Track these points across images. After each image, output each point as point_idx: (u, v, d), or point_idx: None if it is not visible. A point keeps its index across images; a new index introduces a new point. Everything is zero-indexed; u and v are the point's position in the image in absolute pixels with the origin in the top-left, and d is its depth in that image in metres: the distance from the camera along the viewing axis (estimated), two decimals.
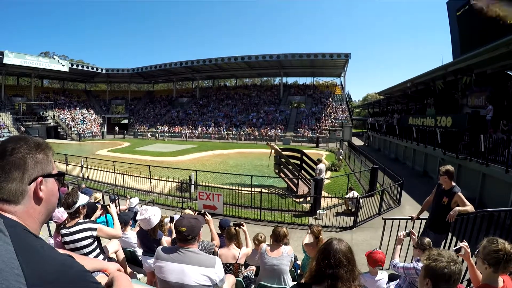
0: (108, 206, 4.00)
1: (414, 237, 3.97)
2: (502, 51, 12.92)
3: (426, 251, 2.38)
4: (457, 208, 4.28)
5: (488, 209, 4.50)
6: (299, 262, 5.15)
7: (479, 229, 4.29)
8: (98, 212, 4.58)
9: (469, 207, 4.28)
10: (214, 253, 3.86)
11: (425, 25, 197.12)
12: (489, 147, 10.90)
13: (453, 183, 4.58)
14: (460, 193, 4.43)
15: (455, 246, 3.05)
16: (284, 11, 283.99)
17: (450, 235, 4.75)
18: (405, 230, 4.30)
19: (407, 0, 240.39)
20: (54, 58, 43.27)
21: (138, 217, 3.75)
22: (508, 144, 9.98)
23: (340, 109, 41.24)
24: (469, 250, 2.82)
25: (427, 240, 3.63)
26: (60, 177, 1.06)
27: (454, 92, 18.97)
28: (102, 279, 1.65)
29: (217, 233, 4.54)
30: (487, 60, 14.59)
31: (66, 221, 3.34)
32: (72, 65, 44.80)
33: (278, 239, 3.91)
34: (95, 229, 3.33)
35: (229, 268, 3.84)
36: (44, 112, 41.02)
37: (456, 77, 17.86)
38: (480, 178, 11.17)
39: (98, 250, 3.38)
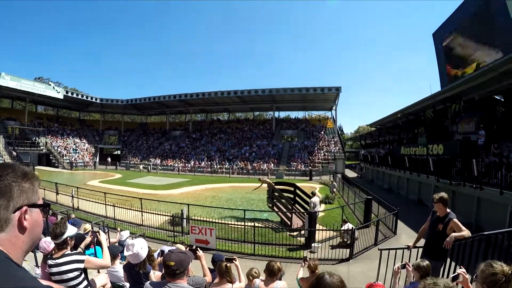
0: (98, 234, 3.90)
1: (410, 268, 3.90)
2: (488, 77, 13.49)
3: (423, 280, 2.33)
4: (453, 234, 4.28)
5: (485, 233, 4.50)
6: None
7: (477, 253, 4.26)
8: (88, 239, 4.45)
9: (465, 232, 4.27)
10: None
11: (413, 56, 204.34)
12: (482, 171, 11.11)
13: (448, 210, 4.59)
14: (455, 219, 4.43)
15: (454, 272, 2.99)
16: (276, 46, 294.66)
17: (448, 260, 4.70)
18: (401, 261, 4.23)
19: (394, 33, 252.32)
20: (50, 84, 43.63)
21: (125, 253, 3.64)
22: (500, 167, 10.16)
23: (333, 142, 41.72)
24: (467, 276, 2.78)
25: (426, 263, 3.57)
26: (45, 208, 1.06)
27: (444, 120, 19.48)
28: None
29: (210, 268, 4.41)
30: (474, 86, 15.19)
31: (53, 252, 3.23)
32: (67, 92, 45.12)
33: (272, 274, 3.85)
34: (82, 261, 3.22)
35: None
36: (37, 138, 40.76)
37: (445, 105, 18.41)
38: (475, 203, 11.26)
39: (85, 283, 3.25)
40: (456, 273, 2.87)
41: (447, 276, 4.40)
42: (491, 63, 13.68)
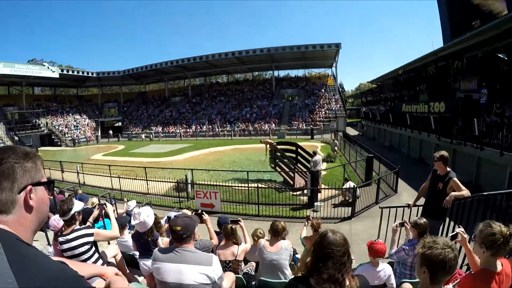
0: (105, 206, 3.99)
1: (408, 226, 3.98)
2: (491, 34, 12.97)
3: (422, 238, 2.39)
4: (453, 193, 4.28)
5: (484, 193, 4.50)
6: (298, 256, 5.16)
7: (476, 213, 4.30)
8: (96, 212, 4.55)
9: (465, 192, 4.27)
10: (213, 251, 3.86)
11: (416, 13, 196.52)
12: (483, 130, 10.96)
13: (448, 169, 4.58)
14: (455, 178, 4.42)
15: (453, 231, 3.05)
16: (274, 5, 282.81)
17: (447, 220, 4.77)
18: (402, 219, 4.31)
19: None
20: (44, 65, 42.72)
21: (133, 222, 3.71)
22: (501, 127, 10.01)
23: (333, 100, 41.24)
24: (465, 236, 2.83)
25: (423, 220, 3.64)
26: (49, 185, 1.06)
27: (446, 77, 19.02)
28: (100, 284, 1.66)
29: (216, 231, 4.52)
30: (477, 43, 14.66)
31: (63, 229, 3.31)
32: (62, 71, 44.25)
33: (277, 234, 3.90)
34: (91, 235, 3.30)
35: (228, 265, 3.84)
36: (37, 120, 40.52)
37: (447, 62, 17.92)
38: (475, 162, 11.26)
39: (96, 255, 3.35)
40: (455, 232, 2.92)
41: (446, 235, 4.47)
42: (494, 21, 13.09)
